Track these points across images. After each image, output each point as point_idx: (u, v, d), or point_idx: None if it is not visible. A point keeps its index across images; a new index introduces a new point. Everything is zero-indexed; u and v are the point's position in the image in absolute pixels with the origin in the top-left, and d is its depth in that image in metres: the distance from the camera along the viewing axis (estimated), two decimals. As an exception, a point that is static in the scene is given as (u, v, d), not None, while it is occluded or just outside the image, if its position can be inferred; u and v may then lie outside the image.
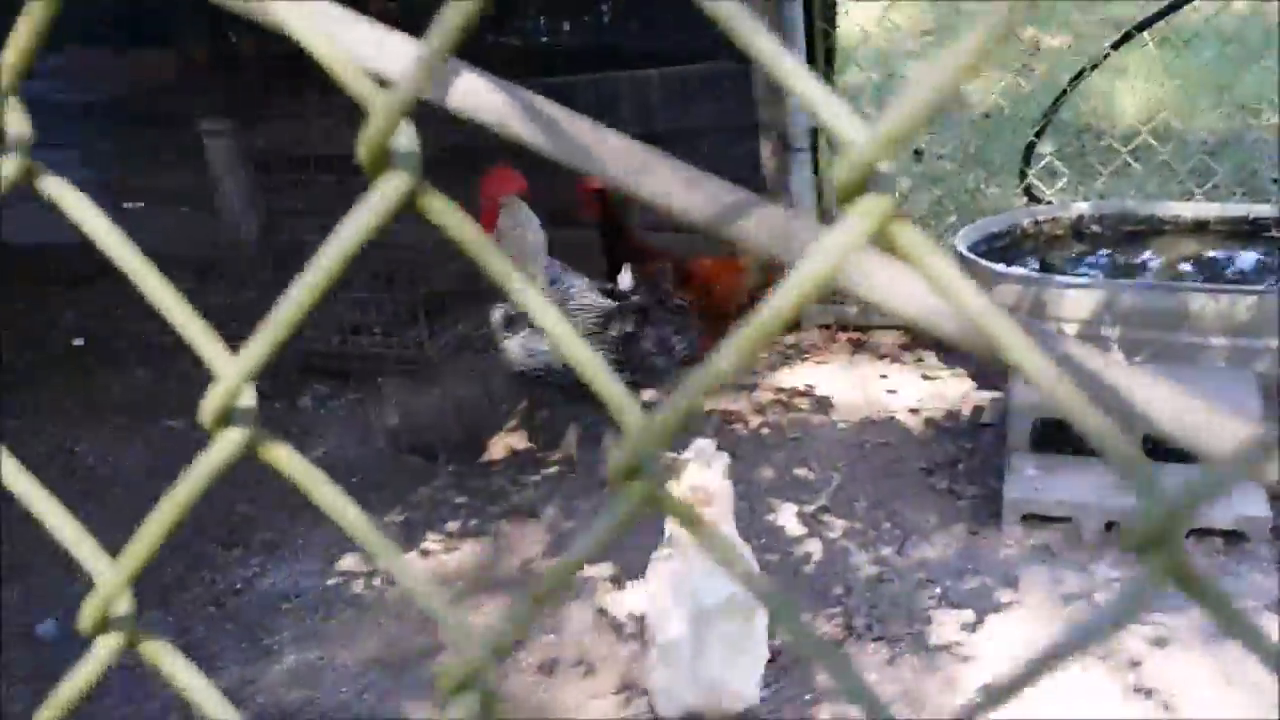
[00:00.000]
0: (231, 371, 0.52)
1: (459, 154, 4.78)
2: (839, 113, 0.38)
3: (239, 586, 3.78)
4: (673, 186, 0.43)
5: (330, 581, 3.78)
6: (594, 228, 4.34)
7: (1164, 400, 0.36)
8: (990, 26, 0.33)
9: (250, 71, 5.66)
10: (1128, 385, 0.37)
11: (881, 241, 0.38)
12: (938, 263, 0.37)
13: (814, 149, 4.86)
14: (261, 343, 0.51)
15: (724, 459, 2.98)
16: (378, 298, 4.98)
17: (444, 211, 0.46)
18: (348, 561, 3.85)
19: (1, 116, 0.57)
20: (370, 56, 0.46)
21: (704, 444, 3.00)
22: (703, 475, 2.90)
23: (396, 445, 4.52)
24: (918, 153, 6.44)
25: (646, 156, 0.44)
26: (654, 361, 4.02)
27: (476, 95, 0.47)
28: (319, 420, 4.78)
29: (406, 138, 0.46)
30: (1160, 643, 3.24)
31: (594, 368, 0.45)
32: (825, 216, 5.02)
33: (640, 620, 3.48)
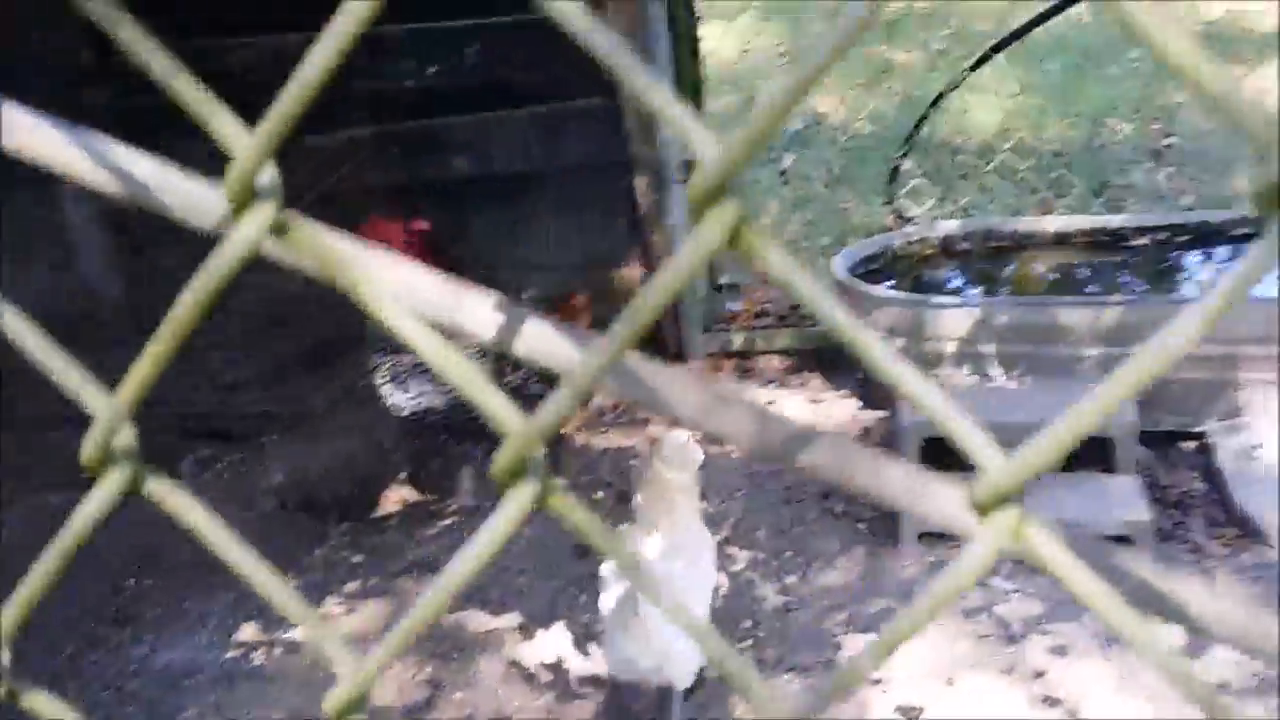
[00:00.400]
0: (107, 409, 0.52)
1: (332, 198, 4.74)
2: (693, 128, 0.41)
3: (134, 667, 3.66)
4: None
5: (229, 654, 3.68)
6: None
7: None
8: (815, 60, 0.36)
9: (108, 126, 5.52)
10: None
11: (735, 242, 0.41)
12: (784, 263, 0.41)
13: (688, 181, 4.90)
14: (137, 377, 0.51)
15: (698, 455, 3.04)
16: (255, 353, 4.88)
17: (313, 241, 0.45)
18: (246, 632, 3.76)
19: None
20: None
21: (679, 438, 3.06)
22: (674, 470, 2.98)
23: (285, 505, 4.42)
24: (783, 173, 6.55)
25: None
26: (532, 389, 4.06)
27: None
28: (202, 484, 4.64)
29: (270, 175, 0.45)
30: (1061, 651, 3.34)
31: (469, 378, 0.45)
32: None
33: (554, 667, 3.47)
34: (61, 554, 0.55)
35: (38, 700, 0.60)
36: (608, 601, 2.98)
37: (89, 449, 0.52)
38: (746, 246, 0.39)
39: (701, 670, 3.02)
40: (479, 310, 0.46)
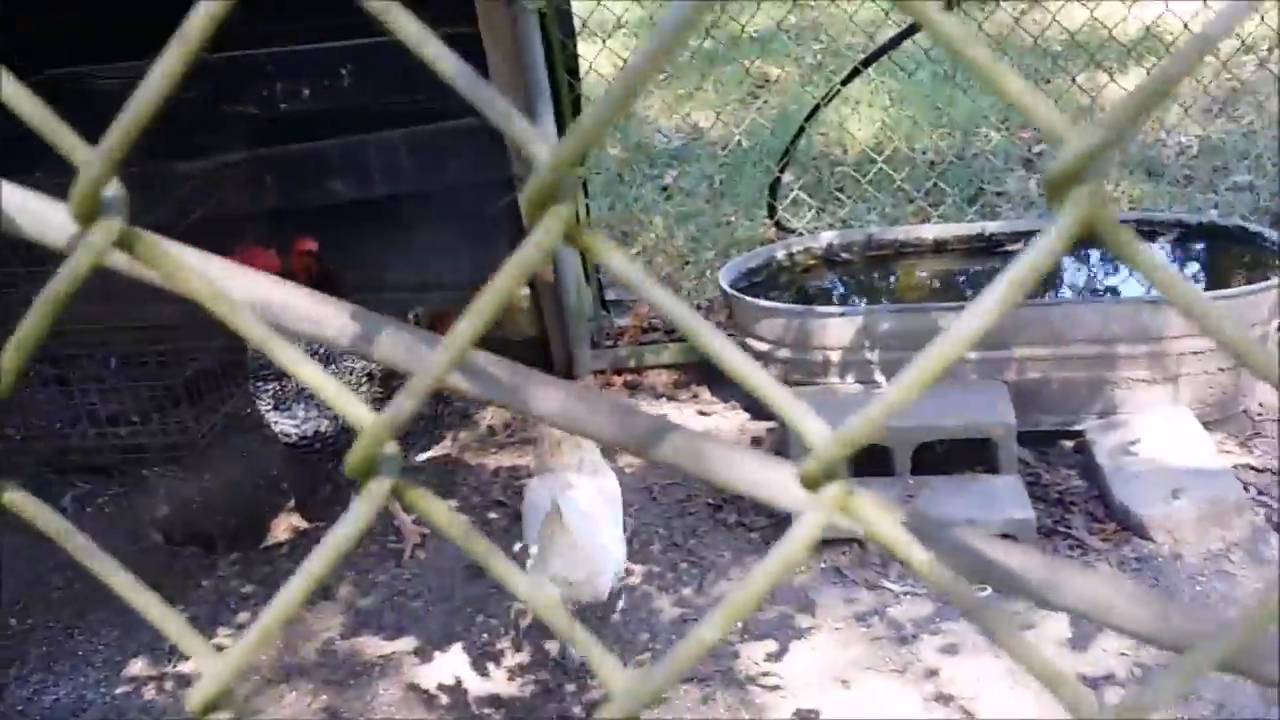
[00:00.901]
0: None
1: (205, 225, 4.66)
2: (528, 137, 0.43)
3: (20, 707, 3.56)
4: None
5: (119, 690, 3.60)
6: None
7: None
8: (637, 67, 0.39)
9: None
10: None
11: (573, 241, 0.44)
12: (618, 259, 0.44)
13: (572, 199, 4.91)
14: None
15: (610, 472, 3.49)
16: (132, 384, 4.78)
17: (158, 255, 0.46)
18: (135, 667, 3.67)
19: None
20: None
21: (591, 456, 3.41)
22: (587, 486, 3.35)
23: (170, 538, 4.33)
24: (665, 189, 6.60)
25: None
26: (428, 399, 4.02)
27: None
28: (83, 520, 4.53)
29: (114, 189, 0.46)
30: (952, 650, 3.41)
31: (321, 382, 0.46)
32: (590, 262, 5.10)
33: (453, 689, 3.45)
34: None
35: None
36: (531, 528, 3.29)
37: None
38: (583, 245, 0.41)
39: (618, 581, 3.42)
40: (336, 318, 0.47)
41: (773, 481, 0.42)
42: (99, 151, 0.43)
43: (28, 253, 4.79)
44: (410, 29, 0.40)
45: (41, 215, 0.46)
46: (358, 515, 0.45)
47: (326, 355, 3.97)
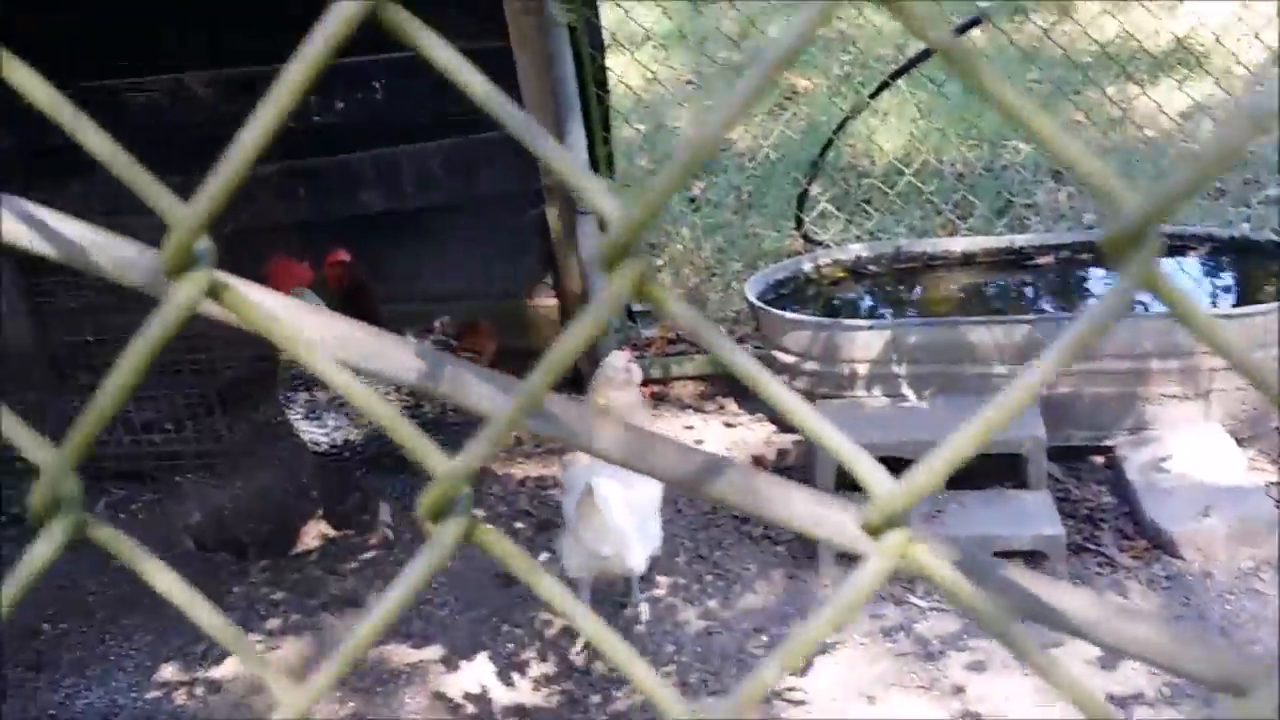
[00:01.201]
0: (53, 461, 0.54)
1: (239, 236, 4.69)
2: (599, 195, 0.45)
3: (53, 712, 3.60)
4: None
5: (150, 695, 3.63)
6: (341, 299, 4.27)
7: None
8: (709, 135, 0.40)
9: (9, 167, 5.43)
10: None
11: (641, 294, 0.45)
12: (682, 309, 0.45)
13: (600, 211, 4.93)
14: (82, 429, 0.55)
15: (638, 374, 3.61)
16: (167, 392, 4.82)
17: (243, 303, 0.48)
18: (166, 672, 3.71)
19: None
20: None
21: (618, 360, 3.55)
22: (618, 390, 3.51)
23: (203, 545, 4.36)
24: (693, 200, 6.61)
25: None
26: (451, 418, 4.06)
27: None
28: (117, 527, 4.57)
29: (204, 243, 0.48)
30: (979, 667, 3.41)
31: (397, 424, 0.48)
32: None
33: (478, 698, 3.47)
34: (10, 600, 0.56)
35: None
36: (569, 503, 3.43)
37: (37, 499, 0.54)
38: (651, 298, 0.42)
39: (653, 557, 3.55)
40: (401, 356, 0.48)
41: (831, 521, 0.43)
42: (194, 206, 0.45)
43: (64, 266, 4.85)
44: (480, 85, 0.42)
45: (122, 256, 0.48)
46: (432, 556, 0.47)
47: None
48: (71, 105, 0.46)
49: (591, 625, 0.49)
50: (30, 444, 0.54)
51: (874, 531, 0.40)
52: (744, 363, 0.41)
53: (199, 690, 3.64)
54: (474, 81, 0.43)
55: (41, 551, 0.56)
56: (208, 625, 0.56)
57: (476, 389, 0.47)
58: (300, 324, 0.46)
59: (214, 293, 0.45)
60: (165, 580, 0.55)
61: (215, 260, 0.46)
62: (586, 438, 0.46)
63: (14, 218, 0.50)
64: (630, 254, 0.42)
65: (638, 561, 3.48)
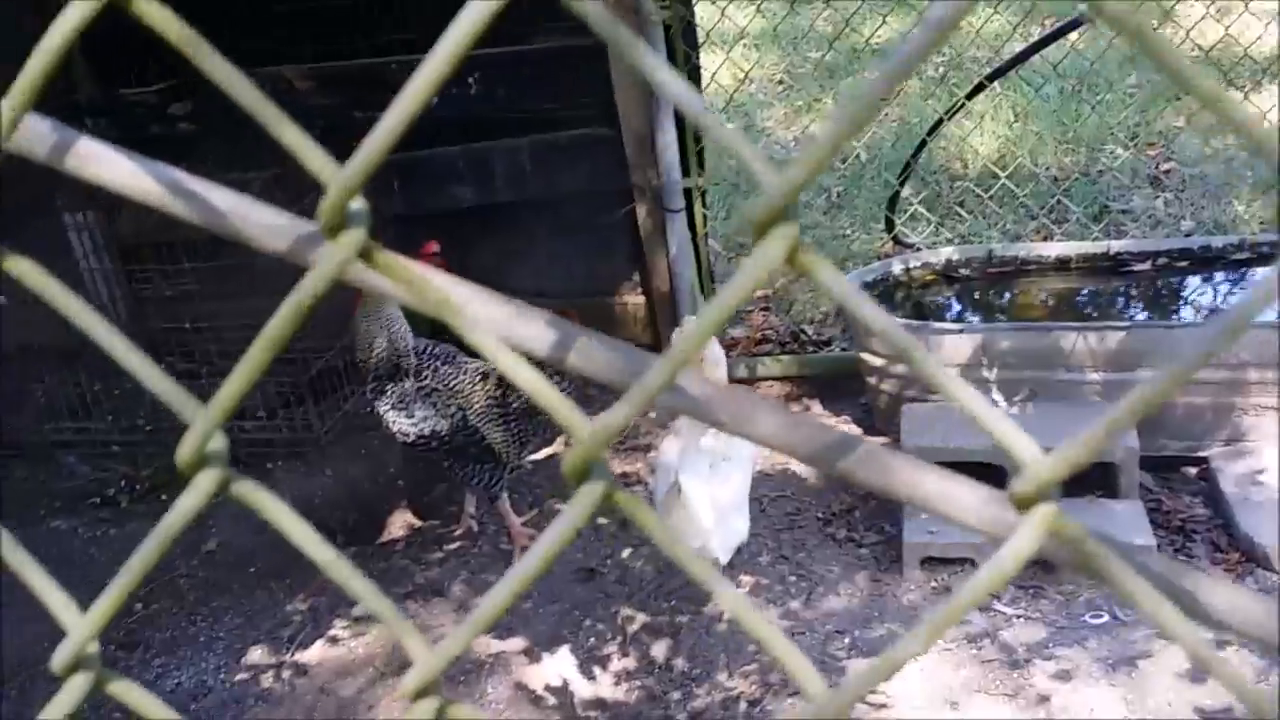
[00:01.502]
0: (203, 417, 0.55)
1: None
2: (753, 157, 0.45)
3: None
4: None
5: (238, 677, 3.70)
6: None
7: None
8: (867, 93, 0.40)
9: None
10: None
11: (791, 261, 0.45)
12: (835, 279, 0.46)
13: (689, 209, 4.94)
14: (231, 388, 0.57)
15: (722, 354, 3.80)
16: (259, 381, 4.90)
17: (395, 267, 0.49)
18: (255, 655, 3.78)
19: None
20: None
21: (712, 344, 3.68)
22: (709, 371, 3.62)
23: (291, 530, 4.43)
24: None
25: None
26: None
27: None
28: (211, 509, 4.66)
29: (359, 203, 0.49)
30: (1064, 676, 3.35)
31: (541, 389, 0.49)
32: (706, 274, 5.11)
33: (560, 690, 3.49)
34: (159, 546, 0.58)
35: (129, 692, 0.63)
36: (659, 489, 3.49)
37: (185, 453, 0.55)
38: (801, 265, 0.42)
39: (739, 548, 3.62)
40: (534, 328, 0.49)
41: (963, 498, 0.43)
42: (351, 165, 0.45)
43: (166, 253, 4.97)
44: (649, 64, 0.42)
45: (272, 225, 0.49)
46: (574, 515, 0.47)
47: (444, 355, 4.05)
48: (220, 56, 0.47)
49: (731, 598, 0.50)
50: (181, 401, 0.56)
51: (1024, 504, 0.40)
52: (895, 331, 0.41)
53: (286, 674, 3.70)
54: (670, 80, 0.43)
55: (188, 503, 0.58)
56: (346, 582, 0.57)
57: (608, 359, 0.47)
58: (451, 294, 0.47)
59: (366, 254, 0.46)
60: (305, 535, 0.57)
61: (369, 223, 0.47)
62: (718, 414, 0.46)
63: (160, 184, 0.51)
64: (787, 217, 0.42)
65: (720, 556, 3.50)
